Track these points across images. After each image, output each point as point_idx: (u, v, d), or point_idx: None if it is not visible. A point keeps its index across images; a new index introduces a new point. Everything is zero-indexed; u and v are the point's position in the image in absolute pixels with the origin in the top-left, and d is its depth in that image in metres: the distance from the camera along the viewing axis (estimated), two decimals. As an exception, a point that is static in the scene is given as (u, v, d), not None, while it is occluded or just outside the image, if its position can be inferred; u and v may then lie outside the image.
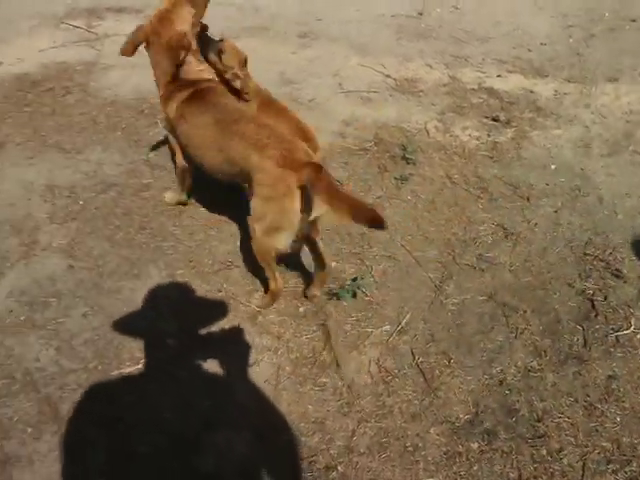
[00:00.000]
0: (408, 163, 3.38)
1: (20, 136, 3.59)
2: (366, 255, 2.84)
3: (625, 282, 2.70)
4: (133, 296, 2.56)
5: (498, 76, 4.31)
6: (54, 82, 4.18)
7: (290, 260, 2.75)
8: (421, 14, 5.28)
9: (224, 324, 2.48)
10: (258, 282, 2.68)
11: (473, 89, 4.15)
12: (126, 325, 2.42)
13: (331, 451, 2.08)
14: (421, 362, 2.40)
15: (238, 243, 2.85)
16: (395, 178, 3.28)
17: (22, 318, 2.45)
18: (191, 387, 2.24)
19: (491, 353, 2.45)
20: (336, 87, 4.11)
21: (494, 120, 3.81)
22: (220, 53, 2.56)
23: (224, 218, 3.00)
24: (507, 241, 2.97)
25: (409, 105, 3.95)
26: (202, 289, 2.62)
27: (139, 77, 4.11)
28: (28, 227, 2.91)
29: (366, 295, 2.63)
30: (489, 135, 3.69)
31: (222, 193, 3.11)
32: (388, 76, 4.25)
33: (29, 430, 2.08)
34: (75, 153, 3.43)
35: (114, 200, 3.07)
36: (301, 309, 2.57)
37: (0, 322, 2.44)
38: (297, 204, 2.14)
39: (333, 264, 2.77)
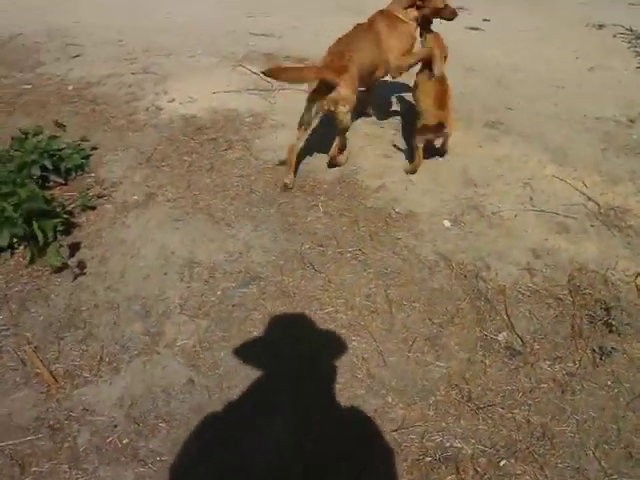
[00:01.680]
0: (611, 331, 2.66)
1: (173, 190, 3.34)
2: (547, 460, 2.17)
3: None
4: (256, 449, 2.09)
5: None
6: (219, 132, 3.95)
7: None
8: (632, 122, 4.50)
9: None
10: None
11: (698, 238, 3.32)
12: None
13: None
14: None
15: (385, 392, 2.31)
16: (593, 350, 2.58)
17: (125, 442, 2.06)
18: None
19: None
20: (526, 200, 3.47)
21: None
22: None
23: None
24: None
25: (615, 244, 3.21)
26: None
27: (308, 143, 3.76)
28: (157, 311, 2.58)
29: (545, 526, 1.96)
30: None
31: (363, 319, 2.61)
32: (590, 199, 3.54)
33: None
34: (224, 225, 3.10)
35: (254, 300, 2.66)
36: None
37: (100, 438, 2.07)
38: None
39: (502, 462, 2.14)
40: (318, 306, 2.65)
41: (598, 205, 3.50)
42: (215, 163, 3.61)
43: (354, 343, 2.51)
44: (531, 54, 5.73)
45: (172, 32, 5.90)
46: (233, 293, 2.68)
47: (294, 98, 4.40)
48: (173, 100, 4.36)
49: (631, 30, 6.48)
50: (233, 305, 2.63)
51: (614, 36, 6.32)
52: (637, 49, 5.93)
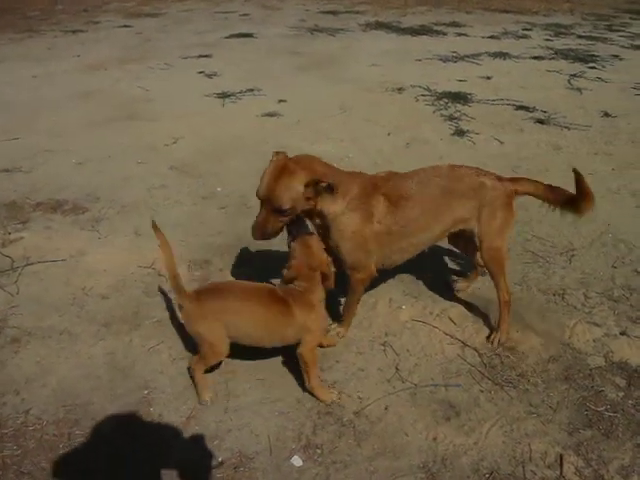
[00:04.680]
0: None
1: None
2: None
3: None
4: None
5: (622, 334, 2.85)
6: None
7: None
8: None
9: None
10: None
11: (599, 368, 2.64)
12: None
13: None
14: None
15: None
16: None
17: None
18: None
19: None
20: (392, 375, 2.56)
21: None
22: None
23: None
24: None
25: (517, 413, 2.40)
26: None
27: (67, 365, 2.52)
28: None
29: None
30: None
31: None
32: (465, 344, 2.74)
33: None
34: None
35: None
36: None
37: None
38: None
39: None
40: None
41: (477, 352, 2.70)
42: None
43: None
44: (339, 136, 5.04)
45: None
46: None
47: (47, 276, 3.10)
48: None
49: (429, 90, 6.18)
50: None
51: (416, 99, 5.94)
52: (442, 112, 5.56)
